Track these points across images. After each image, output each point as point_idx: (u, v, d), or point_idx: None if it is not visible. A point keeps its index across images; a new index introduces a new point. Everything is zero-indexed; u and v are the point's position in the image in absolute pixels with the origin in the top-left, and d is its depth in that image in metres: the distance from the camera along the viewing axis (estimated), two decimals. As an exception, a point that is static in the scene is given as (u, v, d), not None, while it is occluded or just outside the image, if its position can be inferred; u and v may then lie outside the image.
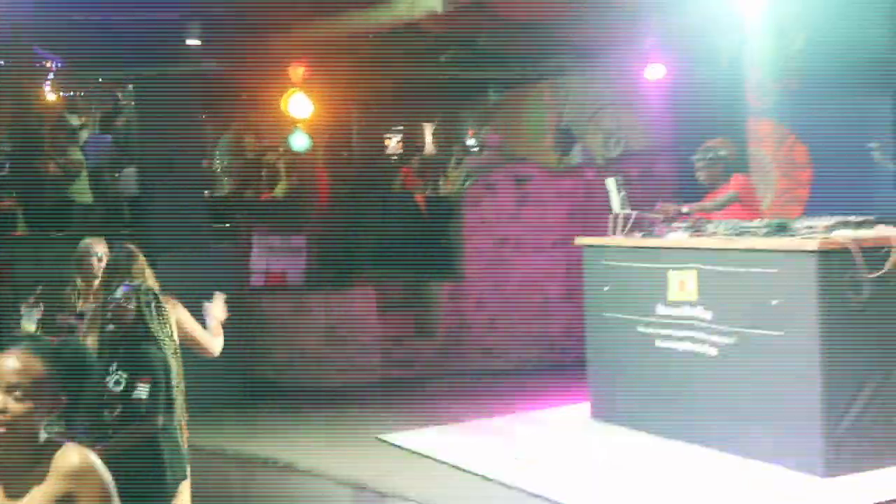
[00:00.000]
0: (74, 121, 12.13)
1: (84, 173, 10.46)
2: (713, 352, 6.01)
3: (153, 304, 4.53)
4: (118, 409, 4.35)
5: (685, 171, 8.44)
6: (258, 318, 8.99)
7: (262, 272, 9.36)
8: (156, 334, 4.50)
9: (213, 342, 5.17)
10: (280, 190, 11.64)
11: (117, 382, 4.38)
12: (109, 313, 4.49)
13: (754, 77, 8.07)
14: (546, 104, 12.56)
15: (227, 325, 5.25)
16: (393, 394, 8.66)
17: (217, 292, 5.28)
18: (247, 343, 8.47)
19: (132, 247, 5.00)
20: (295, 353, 9.14)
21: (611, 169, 9.44)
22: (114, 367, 4.41)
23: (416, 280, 9.87)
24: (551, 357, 9.50)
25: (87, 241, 5.99)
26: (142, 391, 4.35)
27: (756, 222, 6.05)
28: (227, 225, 10.12)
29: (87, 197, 10.44)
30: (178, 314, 5.00)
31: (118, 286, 4.57)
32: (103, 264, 5.81)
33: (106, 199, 10.85)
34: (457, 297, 9.57)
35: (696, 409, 6.13)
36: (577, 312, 7.64)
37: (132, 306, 4.47)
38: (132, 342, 4.47)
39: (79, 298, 5.88)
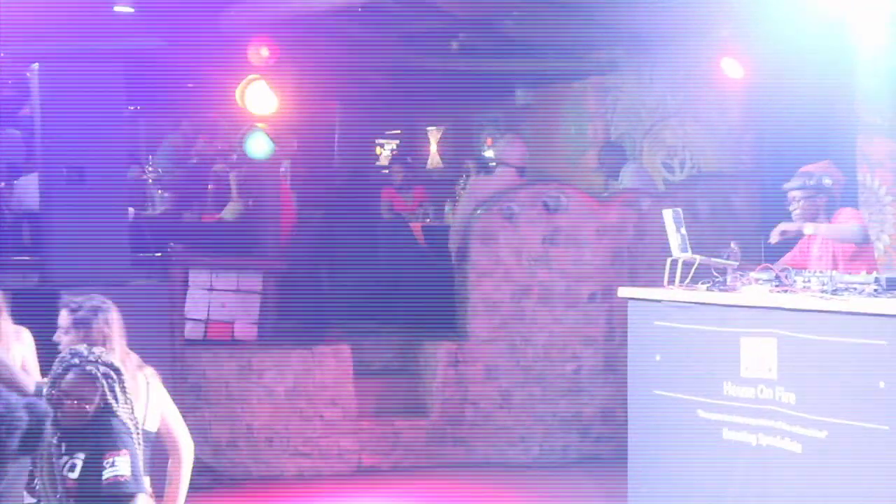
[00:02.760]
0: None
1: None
2: (796, 448, 5.98)
3: (117, 385, 4.48)
4: None
5: (770, 204, 8.44)
6: (193, 383, 8.96)
7: (201, 320, 9.33)
8: (120, 416, 4.46)
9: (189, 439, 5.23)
10: (230, 211, 11.64)
11: (71, 468, 4.34)
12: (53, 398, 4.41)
13: (867, 84, 8.06)
14: (590, 110, 12.59)
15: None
16: (368, 488, 8.62)
17: None
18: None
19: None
20: (240, 429, 9.11)
21: (672, 198, 9.44)
22: (62, 447, 4.36)
23: (407, 338, 9.85)
24: (583, 447, 9.47)
25: None
26: (118, 467, 4.28)
27: (862, 276, 6.01)
28: (158, 255, 10.10)
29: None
30: (160, 392, 5.06)
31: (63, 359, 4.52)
32: None
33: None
34: (460, 362, 9.53)
35: (773, 525, 6.08)
36: (619, 389, 7.61)
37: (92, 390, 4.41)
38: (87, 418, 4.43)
39: None
